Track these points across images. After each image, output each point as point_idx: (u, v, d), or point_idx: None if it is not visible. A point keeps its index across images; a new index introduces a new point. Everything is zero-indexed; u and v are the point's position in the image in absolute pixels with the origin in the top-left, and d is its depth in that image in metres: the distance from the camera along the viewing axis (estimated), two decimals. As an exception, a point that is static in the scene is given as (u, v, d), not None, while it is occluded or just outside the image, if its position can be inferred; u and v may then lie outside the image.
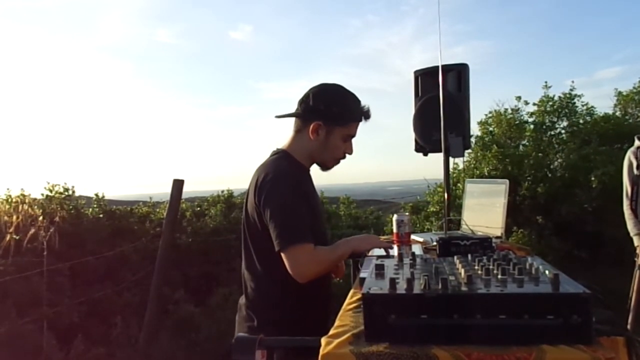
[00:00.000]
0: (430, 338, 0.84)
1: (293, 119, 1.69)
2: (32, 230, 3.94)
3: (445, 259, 1.13)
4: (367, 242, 1.65)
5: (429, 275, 0.90)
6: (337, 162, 1.72)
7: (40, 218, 4.16)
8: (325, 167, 1.72)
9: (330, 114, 1.61)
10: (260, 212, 1.56)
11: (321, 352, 0.86)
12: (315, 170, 1.75)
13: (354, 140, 1.71)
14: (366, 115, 1.68)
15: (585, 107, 6.88)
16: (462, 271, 0.96)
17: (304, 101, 1.64)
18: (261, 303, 1.62)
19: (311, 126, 1.61)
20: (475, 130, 6.98)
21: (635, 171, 3.20)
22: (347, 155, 1.71)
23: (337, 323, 0.99)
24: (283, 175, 1.58)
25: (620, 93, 7.65)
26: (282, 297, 1.58)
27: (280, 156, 1.66)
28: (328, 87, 1.67)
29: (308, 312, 1.56)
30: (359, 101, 1.67)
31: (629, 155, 3.29)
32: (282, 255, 1.49)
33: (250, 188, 1.63)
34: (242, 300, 1.70)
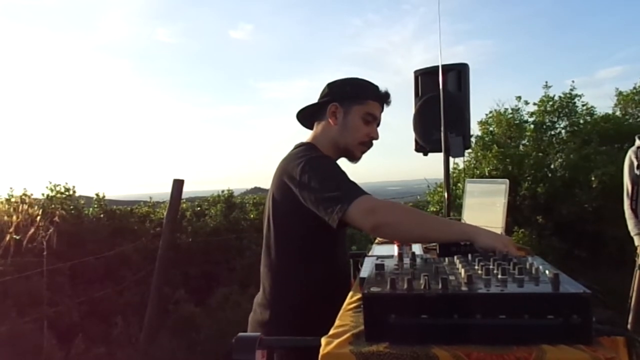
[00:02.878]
0: (431, 338, 0.84)
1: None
2: (32, 230, 3.95)
3: (445, 258, 1.13)
4: (498, 241, 1.22)
5: (429, 275, 0.90)
6: (364, 147, 1.64)
7: (40, 218, 4.16)
8: (352, 155, 1.65)
9: (344, 93, 1.59)
10: (296, 196, 1.43)
11: (321, 351, 0.86)
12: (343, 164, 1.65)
13: None
14: (385, 97, 1.64)
15: (585, 108, 6.88)
16: (462, 271, 0.96)
17: (321, 92, 1.64)
18: (281, 305, 1.53)
19: (330, 109, 1.58)
20: (475, 130, 7.00)
21: (635, 171, 3.20)
22: (373, 140, 1.63)
23: (337, 323, 1.00)
24: (316, 154, 1.52)
25: (620, 93, 7.66)
26: (304, 299, 1.50)
27: (305, 147, 1.59)
28: (345, 78, 1.66)
29: (328, 321, 1.25)
30: (375, 84, 1.63)
31: (630, 154, 3.29)
32: (347, 217, 1.29)
33: (279, 178, 1.52)
34: (259, 300, 1.59)
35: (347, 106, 1.58)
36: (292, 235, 1.52)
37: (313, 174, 1.41)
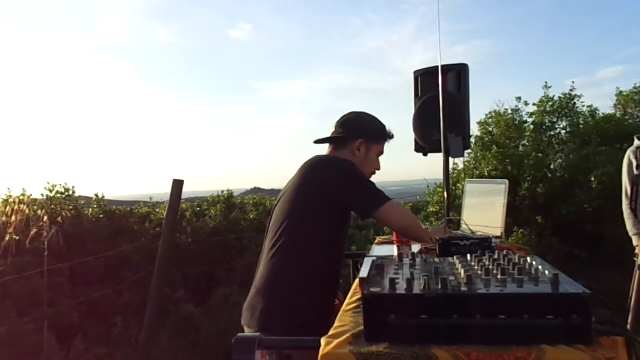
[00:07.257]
0: (430, 338, 0.84)
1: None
2: (33, 231, 3.94)
3: (445, 259, 1.13)
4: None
5: (428, 275, 0.90)
6: (371, 177, 1.93)
7: (41, 218, 4.15)
8: None
9: (370, 133, 1.88)
10: (332, 195, 1.67)
11: (321, 352, 0.86)
12: None
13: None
14: (392, 138, 1.97)
15: (588, 109, 6.86)
16: (462, 271, 0.96)
17: (344, 124, 1.89)
18: (301, 292, 1.67)
19: (356, 144, 1.84)
20: (475, 130, 6.98)
21: (634, 171, 3.20)
22: (377, 171, 1.94)
23: (337, 323, 1.00)
24: (348, 161, 1.80)
25: (621, 93, 7.64)
26: (319, 287, 1.69)
27: (333, 157, 1.85)
28: (362, 113, 1.94)
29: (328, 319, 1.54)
30: (384, 125, 1.95)
31: (629, 155, 3.28)
32: (379, 213, 1.65)
33: (309, 180, 1.73)
34: (260, 289, 1.71)
35: (370, 144, 1.87)
36: (316, 233, 1.68)
37: (353, 175, 1.71)
